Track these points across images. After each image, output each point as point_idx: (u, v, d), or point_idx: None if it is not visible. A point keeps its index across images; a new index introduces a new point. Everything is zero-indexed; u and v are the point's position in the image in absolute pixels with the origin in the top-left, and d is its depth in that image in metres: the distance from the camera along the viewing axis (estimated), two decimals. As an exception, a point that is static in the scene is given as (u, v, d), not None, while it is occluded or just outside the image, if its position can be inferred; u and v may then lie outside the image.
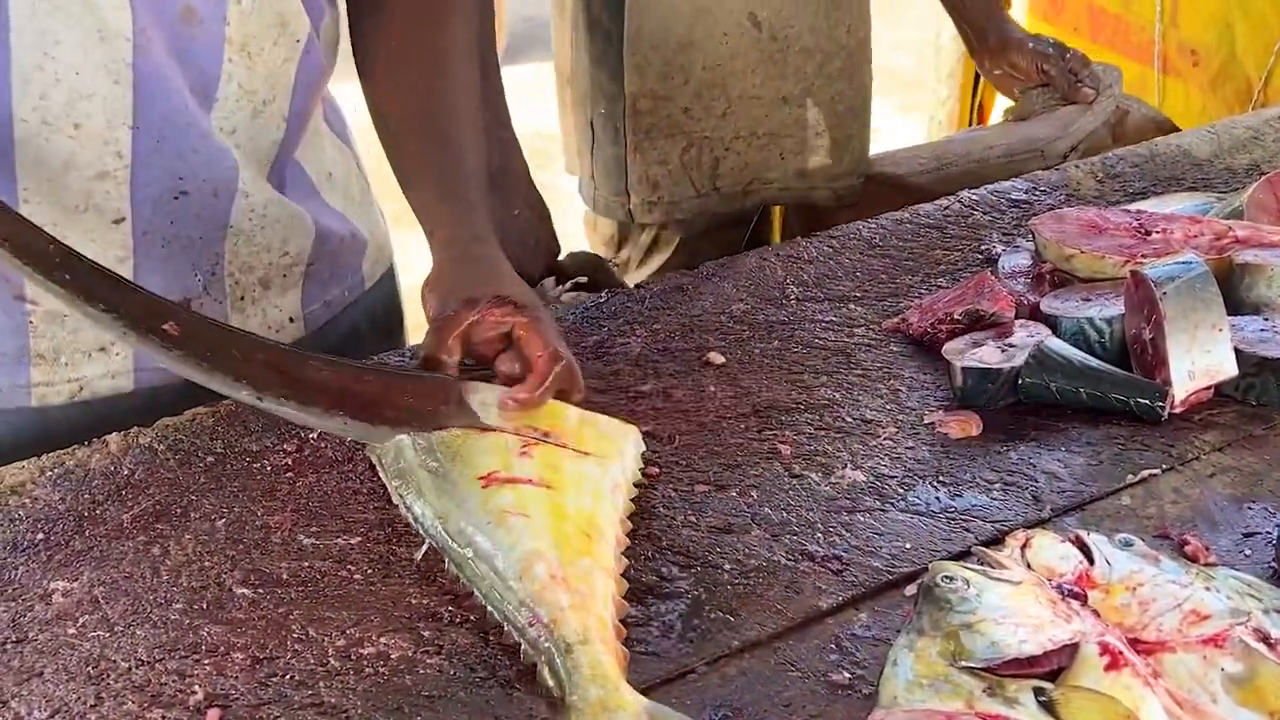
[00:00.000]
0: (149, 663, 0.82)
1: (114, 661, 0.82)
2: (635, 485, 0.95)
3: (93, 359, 1.09)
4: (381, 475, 0.95)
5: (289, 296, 1.18)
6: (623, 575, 0.86)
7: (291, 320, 1.19)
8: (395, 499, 0.93)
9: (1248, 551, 0.88)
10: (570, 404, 0.98)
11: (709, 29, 1.58)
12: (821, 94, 1.66)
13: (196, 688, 0.80)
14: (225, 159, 1.07)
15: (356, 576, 0.89)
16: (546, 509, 0.87)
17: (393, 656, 0.82)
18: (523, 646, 0.80)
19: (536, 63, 3.60)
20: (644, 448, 0.99)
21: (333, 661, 0.81)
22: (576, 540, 0.85)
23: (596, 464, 0.93)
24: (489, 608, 0.83)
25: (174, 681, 0.80)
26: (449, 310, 1.00)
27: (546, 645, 0.78)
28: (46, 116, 0.98)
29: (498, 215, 1.42)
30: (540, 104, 2.28)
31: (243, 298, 1.14)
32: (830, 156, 1.69)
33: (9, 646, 0.84)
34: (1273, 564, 0.87)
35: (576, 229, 1.82)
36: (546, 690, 0.77)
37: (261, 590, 0.88)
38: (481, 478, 0.90)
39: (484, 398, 0.98)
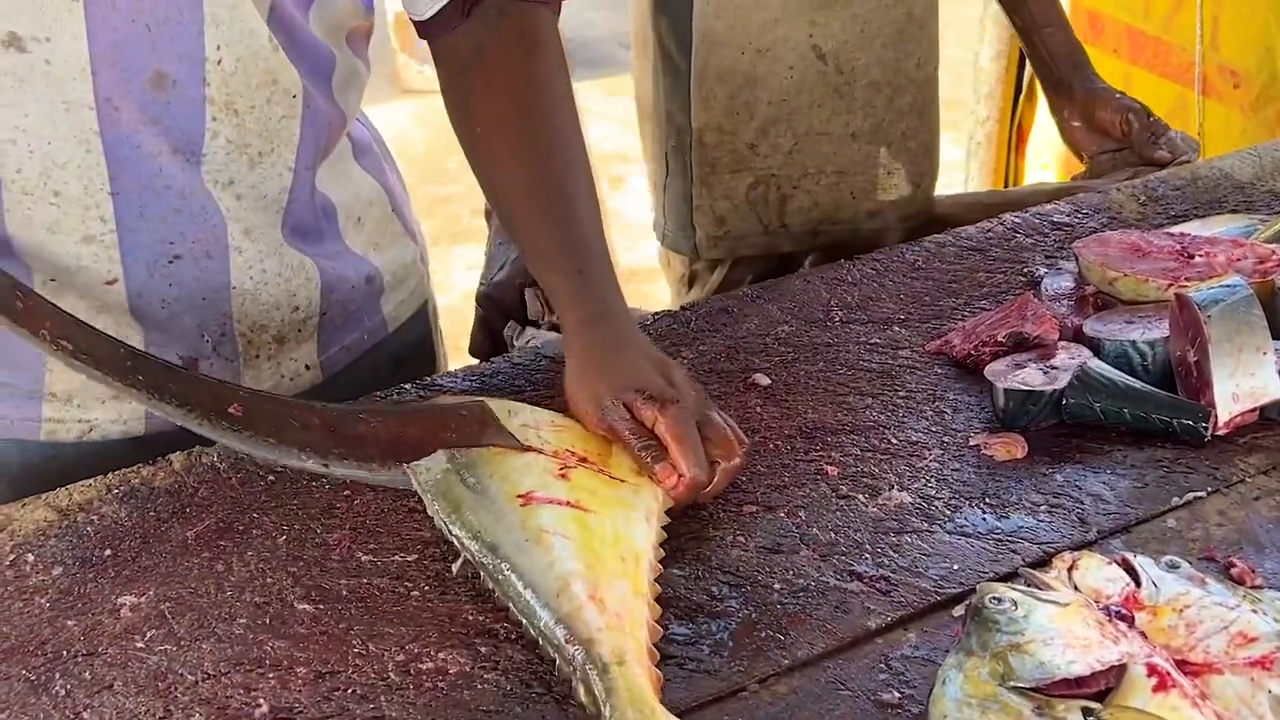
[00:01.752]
0: (215, 676, 0.84)
1: (181, 675, 0.85)
2: (666, 513, 0.96)
3: (105, 405, 1.12)
4: (417, 488, 0.97)
5: (304, 348, 1.19)
6: (657, 600, 0.87)
7: (308, 368, 1.20)
8: (431, 512, 0.95)
9: (1294, 574, 0.89)
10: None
11: (773, 63, 1.55)
12: (892, 130, 1.63)
13: (261, 701, 0.82)
14: (211, 217, 1.07)
15: (414, 593, 0.91)
16: (584, 531, 0.89)
17: (451, 672, 0.84)
18: (558, 663, 0.82)
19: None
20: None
21: (393, 676, 0.84)
22: (613, 563, 0.87)
23: (632, 491, 0.95)
24: (524, 623, 0.85)
25: (239, 695, 0.83)
26: (600, 415, 0.99)
27: (583, 664, 0.80)
28: (25, 187, 1.02)
29: None
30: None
31: (257, 355, 1.16)
32: (902, 196, 1.65)
33: (80, 659, 0.86)
34: (1319, 587, 0.88)
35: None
36: (583, 707, 0.79)
37: (322, 606, 0.90)
38: (520, 496, 0.92)
39: (524, 419, 1.00)
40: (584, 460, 0.97)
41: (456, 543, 0.92)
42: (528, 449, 0.98)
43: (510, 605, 0.86)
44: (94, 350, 0.95)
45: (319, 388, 1.21)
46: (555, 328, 1.35)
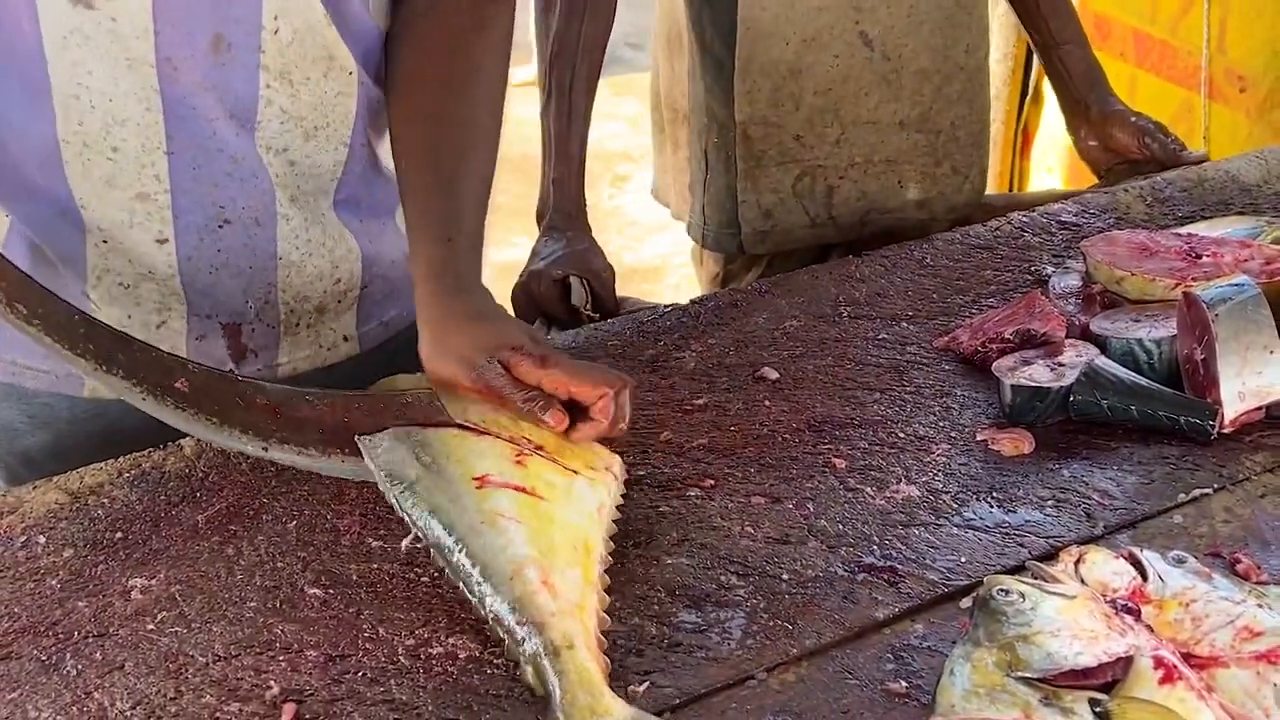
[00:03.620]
0: (225, 658, 0.85)
1: (192, 656, 0.85)
2: (618, 509, 0.96)
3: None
4: (369, 464, 0.96)
5: (344, 319, 1.21)
6: (606, 591, 0.88)
7: (346, 339, 1.21)
8: (383, 488, 0.94)
9: (1300, 571, 0.89)
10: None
11: (819, 52, 1.53)
12: (940, 118, 1.60)
13: (272, 683, 0.83)
14: (261, 182, 1.09)
15: (423, 579, 0.91)
16: (538, 518, 0.90)
17: (460, 656, 0.84)
18: (507, 644, 0.82)
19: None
20: (626, 475, 1.00)
21: (403, 660, 0.84)
22: (566, 551, 0.88)
23: (586, 483, 0.95)
24: (475, 604, 0.85)
25: (250, 677, 0.83)
26: (486, 372, 0.98)
27: (534, 647, 0.80)
28: (86, 140, 1.03)
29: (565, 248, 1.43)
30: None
31: (297, 324, 1.17)
32: (951, 185, 1.62)
33: (91, 640, 0.87)
34: (1325, 584, 0.88)
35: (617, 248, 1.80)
36: (532, 690, 0.79)
37: (332, 591, 0.91)
38: (476, 479, 0.92)
39: (482, 411, 0.99)
40: (539, 449, 0.97)
41: (409, 520, 0.92)
42: (484, 433, 0.97)
43: (462, 586, 0.87)
44: (48, 316, 0.95)
45: (356, 360, 1.22)
46: (592, 318, 1.36)
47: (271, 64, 1.05)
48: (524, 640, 0.81)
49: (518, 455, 0.95)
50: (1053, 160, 2.56)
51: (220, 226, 1.09)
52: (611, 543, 0.92)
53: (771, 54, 1.52)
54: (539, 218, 1.49)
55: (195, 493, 1.01)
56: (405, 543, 0.93)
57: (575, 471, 0.95)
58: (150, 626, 0.88)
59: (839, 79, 1.54)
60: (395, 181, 1.20)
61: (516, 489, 0.92)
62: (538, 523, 0.89)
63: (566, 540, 0.88)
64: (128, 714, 0.80)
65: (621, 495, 0.97)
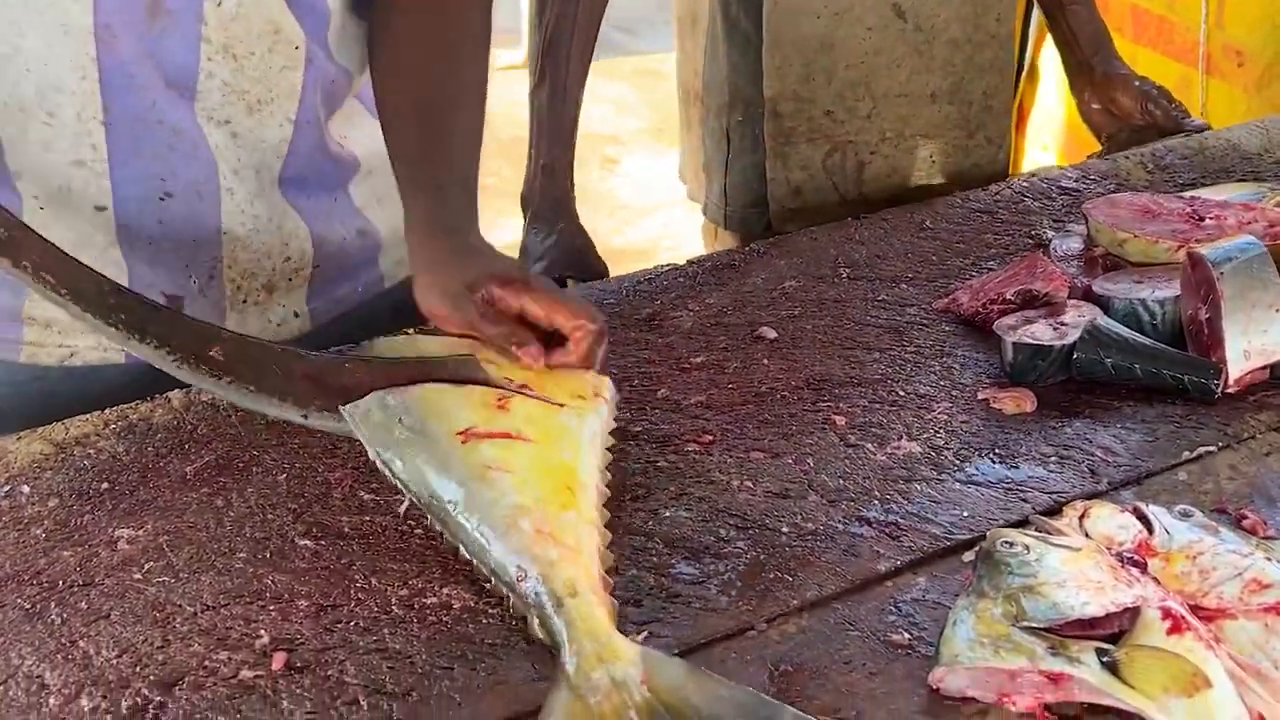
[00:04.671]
0: (214, 608, 0.83)
1: (180, 606, 0.83)
2: (611, 435, 0.95)
3: (84, 334, 1.10)
4: (355, 433, 0.94)
5: (293, 295, 1.18)
6: (605, 526, 0.87)
7: (296, 315, 1.18)
8: (371, 455, 0.92)
9: (1306, 527, 0.88)
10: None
11: (851, 25, 1.50)
12: (973, 89, 1.56)
13: (262, 632, 0.81)
14: (202, 155, 1.06)
15: (417, 532, 0.90)
16: (528, 463, 0.88)
17: (455, 607, 0.83)
18: (511, 599, 0.81)
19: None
20: (618, 396, 0.99)
21: (396, 610, 0.82)
22: (559, 494, 0.86)
23: (574, 415, 0.93)
24: (475, 562, 0.83)
25: (240, 626, 0.81)
26: (463, 306, 0.98)
27: (537, 598, 0.79)
28: (22, 104, 1.00)
29: (542, 234, 1.42)
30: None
31: (244, 300, 1.14)
32: (985, 156, 1.59)
33: (76, 589, 0.85)
34: (1332, 539, 0.87)
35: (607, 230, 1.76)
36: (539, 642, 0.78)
37: (323, 542, 0.89)
38: (460, 433, 0.90)
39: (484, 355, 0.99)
40: (524, 387, 0.95)
41: (400, 486, 0.90)
42: (466, 380, 0.96)
43: (460, 545, 0.85)
44: (76, 284, 0.93)
45: (308, 335, 1.19)
46: None
47: (214, 35, 1.02)
48: (527, 593, 0.79)
49: (499, 400, 0.93)
50: (1048, 138, 2.55)
51: (161, 199, 1.06)
52: (608, 473, 0.91)
53: (802, 28, 1.49)
54: (524, 201, 1.47)
55: (184, 444, 0.99)
56: (403, 507, 0.91)
57: (562, 404, 0.93)
58: (137, 576, 0.86)
59: (871, 51, 1.51)
60: (345, 162, 1.18)
61: (501, 437, 0.90)
62: (528, 468, 0.87)
63: (558, 483, 0.87)
64: (114, 662, 0.79)
65: (615, 419, 0.96)
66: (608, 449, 0.93)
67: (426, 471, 0.89)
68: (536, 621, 0.78)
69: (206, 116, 1.05)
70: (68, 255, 0.94)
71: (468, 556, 0.84)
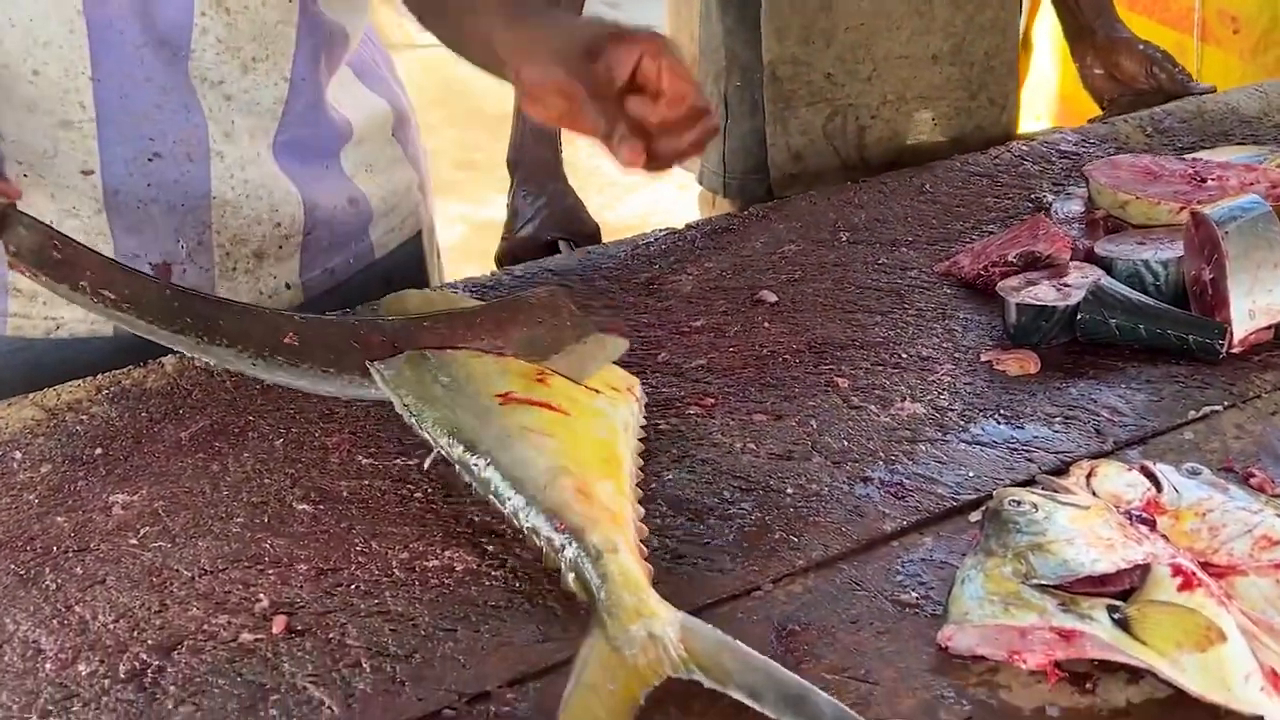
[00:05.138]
0: (212, 572, 0.82)
1: (177, 570, 0.82)
2: (641, 429, 0.94)
3: (70, 305, 1.06)
4: (382, 386, 0.93)
5: (285, 265, 1.16)
6: (640, 502, 0.85)
7: (288, 287, 1.17)
8: (400, 409, 0.91)
9: (1313, 485, 0.88)
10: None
11: None
12: (974, 49, 1.53)
13: (261, 596, 0.80)
14: (193, 116, 1.04)
15: (417, 495, 0.89)
16: (566, 432, 0.87)
17: (457, 569, 0.81)
18: (545, 552, 0.79)
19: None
20: (646, 399, 0.97)
21: (397, 573, 0.81)
22: (598, 464, 0.85)
23: (608, 402, 0.93)
24: (509, 516, 0.82)
25: (238, 590, 0.80)
26: (568, 71, 0.88)
27: (574, 553, 0.77)
28: (6, 61, 0.98)
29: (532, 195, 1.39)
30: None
31: (234, 268, 1.12)
32: (987, 118, 1.56)
33: (71, 554, 0.84)
34: (1340, 497, 0.86)
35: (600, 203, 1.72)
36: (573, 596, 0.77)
37: (322, 506, 0.88)
38: (499, 395, 0.90)
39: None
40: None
41: (430, 439, 0.89)
42: (500, 352, 0.94)
43: (493, 499, 0.84)
44: (137, 297, 0.90)
45: (300, 308, 1.17)
46: None
47: None
48: (563, 547, 0.78)
49: (539, 374, 0.92)
50: (1041, 107, 2.53)
51: (150, 160, 1.04)
52: (641, 459, 0.90)
53: None
54: (512, 165, 1.45)
55: (178, 410, 0.98)
56: (428, 461, 0.89)
57: (597, 390, 0.92)
58: (133, 541, 0.85)
59: (871, 13, 1.49)
60: (339, 126, 1.15)
61: (541, 405, 0.89)
62: (567, 436, 0.86)
63: (597, 454, 0.86)
64: (110, 627, 0.77)
65: (644, 417, 0.95)
66: (639, 440, 0.92)
67: (463, 426, 0.87)
68: (572, 576, 0.77)
69: (200, 77, 1.03)
70: (121, 264, 0.92)
71: (500, 513, 0.83)
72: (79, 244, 0.91)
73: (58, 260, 0.88)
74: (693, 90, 0.88)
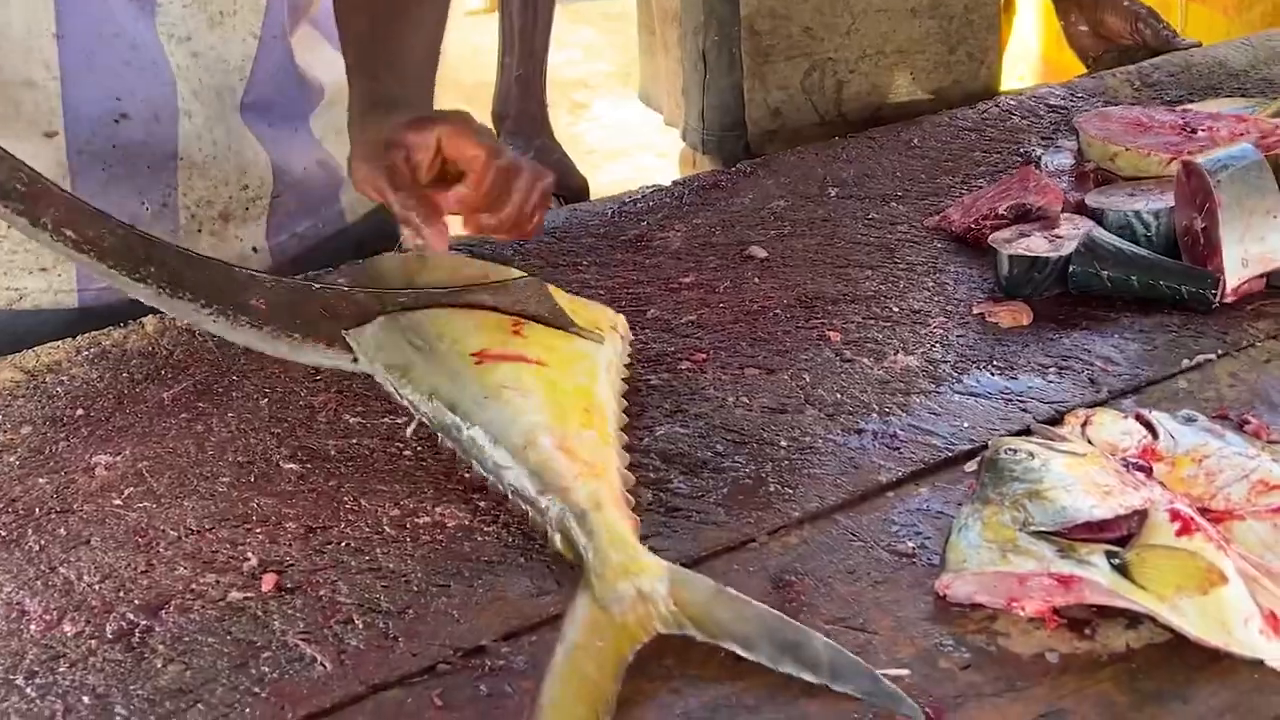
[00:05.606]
0: (199, 532, 0.80)
1: (163, 530, 0.81)
2: (626, 368, 0.93)
3: (34, 275, 1.06)
4: (358, 354, 0.91)
5: (251, 228, 1.13)
6: (627, 448, 0.85)
7: (255, 251, 1.14)
8: (380, 378, 0.90)
9: (1308, 431, 0.87)
10: (527, 226, 0.96)
11: None
12: (954, 3, 1.52)
13: (250, 554, 0.78)
14: (161, 74, 1.02)
15: (406, 453, 0.87)
16: (544, 385, 0.86)
17: (449, 525, 0.80)
18: (530, 515, 0.78)
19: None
20: (631, 335, 0.97)
21: (388, 530, 0.80)
22: (577, 415, 0.84)
23: (589, 344, 0.91)
24: (492, 479, 0.81)
25: (226, 549, 0.79)
26: (366, 166, 0.94)
27: (559, 512, 0.76)
28: None
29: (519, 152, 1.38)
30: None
31: (199, 230, 1.10)
32: (966, 72, 1.55)
33: (54, 516, 0.82)
34: (1335, 443, 0.86)
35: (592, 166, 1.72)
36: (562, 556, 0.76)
37: (310, 465, 0.86)
38: (474, 354, 0.88)
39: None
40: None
41: (410, 406, 0.87)
42: (474, 306, 0.92)
43: (475, 464, 0.82)
44: (101, 240, 0.86)
45: (267, 272, 1.15)
46: None
47: None
48: (548, 508, 0.77)
49: (514, 325, 0.91)
50: (1024, 70, 2.53)
51: (117, 121, 1.01)
52: (625, 400, 0.88)
53: None
54: (496, 117, 1.43)
55: (160, 370, 0.96)
56: (410, 429, 0.88)
57: (578, 333, 0.91)
58: (117, 502, 0.83)
59: None
60: (309, 87, 1.14)
61: (516, 359, 0.87)
62: (544, 389, 0.85)
63: (576, 404, 0.84)
64: (96, 587, 0.76)
65: (628, 354, 0.93)
66: (623, 379, 0.91)
67: (439, 391, 0.86)
68: (558, 536, 0.76)
69: (168, 34, 1.01)
70: (89, 206, 0.87)
71: (483, 475, 0.82)
72: (48, 181, 0.86)
73: (21, 193, 0.84)
74: (487, 166, 0.91)
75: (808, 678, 0.67)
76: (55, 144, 1.01)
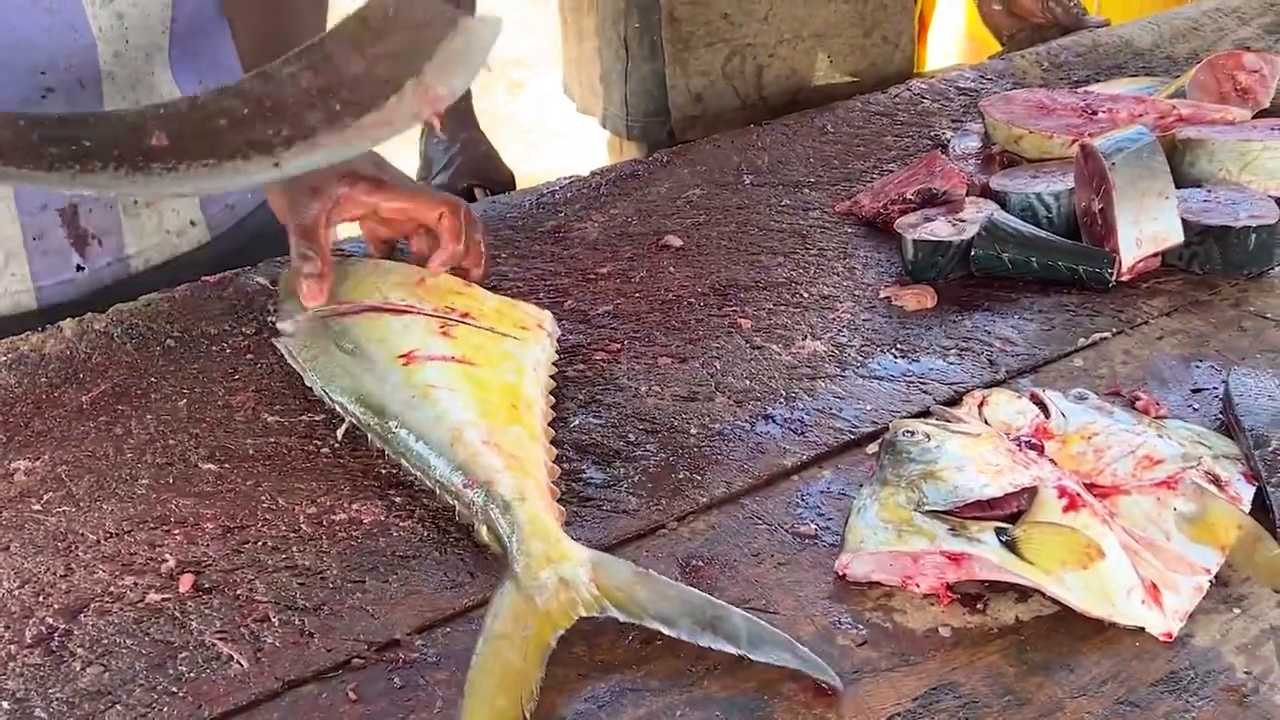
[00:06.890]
0: (118, 535, 0.82)
1: (82, 534, 0.82)
2: (554, 365, 0.95)
3: None
4: (289, 358, 0.94)
5: (186, 200, 1.13)
6: (552, 443, 0.87)
7: (193, 224, 1.14)
8: (309, 381, 0.92)
9: (1196, 406, 0.91)
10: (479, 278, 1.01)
11: None
12: None
13: (168, 556, 0.80)
14: (82, 38, 0.99)
15: (324, 450, 0.89)
16: (471, 383, 0.88)
17: (365, 521, 0.82)
18: (457, 509, 0.81)
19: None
20: (559, 332, 0.99)
21: (304, 528, 0.82)
22: (504, 410, 0.86)
23: (517, 344, 0.93)
24: (420, 476, 0.83)
25: (144, 551, 0.80)
26: (301, 208, 0.95)
27: (484, 505, 0.78)
28: None
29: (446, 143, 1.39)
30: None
31: (135, 201, 1.09)
32: (881, 55, 1.59)
33: (-28, 524, 0.83)
34: (1219, 416, 0.90)
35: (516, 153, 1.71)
36: (486, 548, 0.78)
37: (228, 465, 0.88)
38: (402, 356, 0.90)
39: (399, 278, 0.98)
40: (466, 316, 0.95)
41: (339, 409, 0.89)
42: (407, 310, 0.94)
43: (404, 461, 0.85)
44: None
45: (208, 247, 1.15)
46: None
47: None
48: (473, 501, 0.79)
49: (442, 327, 0.92)
50: (949, 46, 2.56)
51: (43, 97, 1.00)
52: (553, 397, 0.91)
53: None
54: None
55: (78, 374, 0.96)
56: (341, 430, 0.89)
57: (505, 333, 0.93)
58: (36, 507, 0.84)
59: None
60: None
61: (444, 359, 0.89)
62: (471, 387, 0.87)
63: (503, 400, 0.86)
64: (15, 593, 0.77)
65: (556, 351, 0.96)
66: (550, 377, 0.93)
67: (367, 392, 0.88)
68: (484, 529, 0.78)
69: None
70: None
71: (413, 473, 0.84)
72: None
73: None
74: (431, 208, 0.96)
75: (728, 649, 0.70)
76: None
